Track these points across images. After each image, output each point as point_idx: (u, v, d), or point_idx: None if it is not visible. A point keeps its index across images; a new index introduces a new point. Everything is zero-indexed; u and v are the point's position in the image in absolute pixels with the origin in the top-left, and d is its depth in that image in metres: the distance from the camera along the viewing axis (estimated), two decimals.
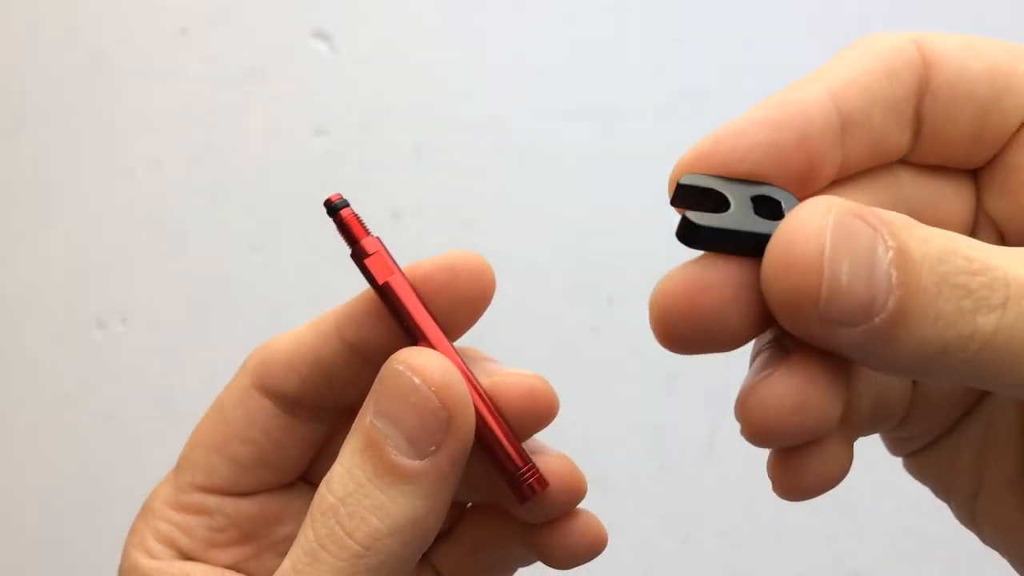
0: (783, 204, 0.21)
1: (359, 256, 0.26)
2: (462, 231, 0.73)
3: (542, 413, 0.26)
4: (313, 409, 0.28)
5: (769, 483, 0.24)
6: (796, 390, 0.21)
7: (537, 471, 0.26)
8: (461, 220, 0.73)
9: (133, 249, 0.77)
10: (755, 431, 0.21)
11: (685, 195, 0.21)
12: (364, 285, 0.27)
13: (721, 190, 0.21)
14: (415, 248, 0.73)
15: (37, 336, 0.78)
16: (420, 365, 0.24)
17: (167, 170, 0.77)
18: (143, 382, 0.76)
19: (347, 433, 0.26)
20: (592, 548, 0.27)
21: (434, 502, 0.24)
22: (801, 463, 0.22)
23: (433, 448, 0.24)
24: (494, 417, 0.25)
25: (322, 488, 0.24)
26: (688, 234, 0.20)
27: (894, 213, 0.20)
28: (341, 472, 0.24)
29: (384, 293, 0.26)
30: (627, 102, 0.73)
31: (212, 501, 0.28)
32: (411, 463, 0.23)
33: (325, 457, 0.29)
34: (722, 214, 0.21)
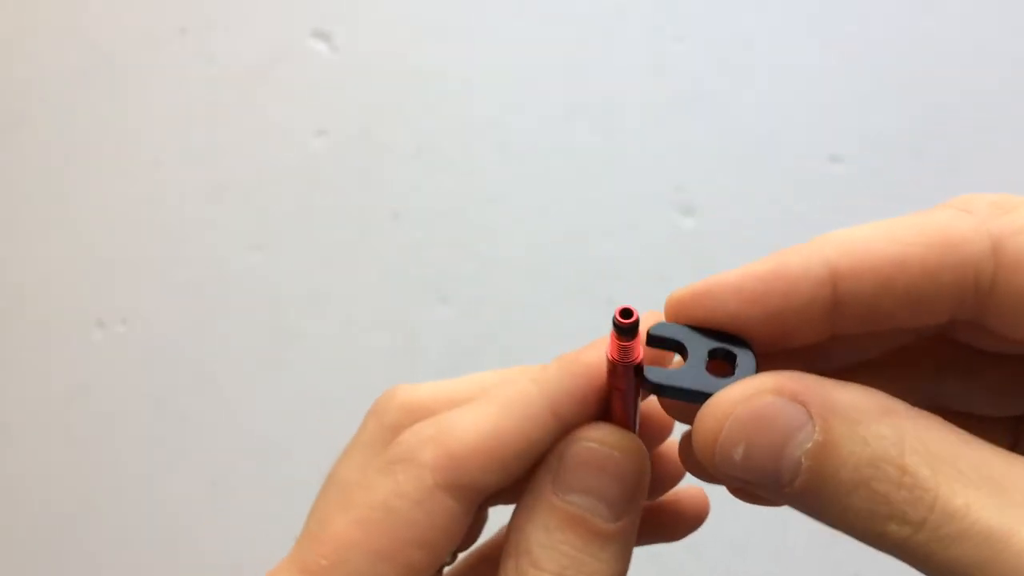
0: (738, 359, 0.23)
1: (637, 369, 0.25)
2: (462, 231, 0.73)
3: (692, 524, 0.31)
4: (500, 495, 0.27)
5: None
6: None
7: None
8: (461, 220, 0.73)
9: (133, 249, 0.77)
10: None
11: (656, 340, 0.24)
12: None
13: (684, 342, 0.24)
14: (415, 248, 0.73)
15: (37, 336, 0.78)
16: (615, 441, 0.25)
17: (167, 170, 0.77)
18: (143, 382, 0.76)
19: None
20: (702, 516, 0.32)
21: (630, 551, 0.26)
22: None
23: (628, 508, 0.26)
24: None
25: (531, 571, 0.25)
26: (644, 384, 0.24)
27: (859, 394, 0.21)
28: (548, 551, 0.25)
29: (633, 393, 0.26)
30: (627, 102, 0.73)
31: None
32: (613, 526, 0.25)
33: None
34: (674, 371, 0.24)
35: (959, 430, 0.21)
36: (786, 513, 0.22)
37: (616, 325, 0.23)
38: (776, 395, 0.21)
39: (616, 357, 0.24)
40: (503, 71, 0.74)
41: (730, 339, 0.23)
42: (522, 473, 0.26)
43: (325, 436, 0.76)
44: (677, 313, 0.24)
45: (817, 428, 0.20)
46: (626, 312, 0.23)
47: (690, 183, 0.71)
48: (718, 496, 0.26)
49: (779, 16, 0.72)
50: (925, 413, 0.21)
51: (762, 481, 0.21)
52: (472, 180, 0.74)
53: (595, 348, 0.26)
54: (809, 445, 0.20)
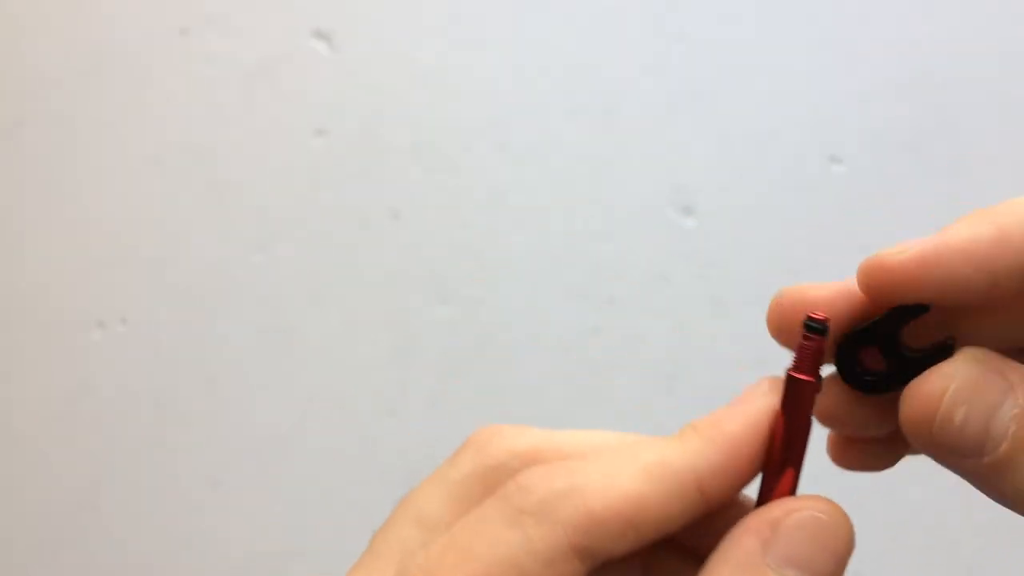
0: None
1: (810, 386, 0.24)
2: (462, 231, 0.73)
3: None
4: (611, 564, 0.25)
5: None
6: (834, 402, 0.26)
7: None
8: (461, 220, 0.73)
9: (133, 249, 0.77)
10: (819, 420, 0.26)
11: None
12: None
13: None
14: (415, 248, 0.73)
15: (37, 336, 0.78)
16: (835, 513, 0.24)
17: (167, 170, 0.77)
18: (143, 382, 0.76)
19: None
20: None
21: None
22: (847, 450, 0.27)
23: None
24: None
25: None
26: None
27: None
28: None
29: (801, 428, 0.25)
30: (627, 102, 0.73)
31: None
32: None
33: None
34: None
35: None
36: None
37: (808, 325, 0.24)
38: (986, 367, 0.22)
39: (808, 375, 0.24)
40: (503, 70, 0.74)
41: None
42: (646, 546, 0.24)
43: (325, 436, 0.76)
44: (895, 281, 0.23)
45: (1020, 394, 0.22)
46: (813, 324, 0.24)
47: (690, 183, 0.71)
48: None
49: (779, 16, 0.72)
50: None
51: (967, 448, 0.22)
52: (472, 180, 0.74)
53: (737, 417, 0.24)
54: (1016, 411, 0.22)
